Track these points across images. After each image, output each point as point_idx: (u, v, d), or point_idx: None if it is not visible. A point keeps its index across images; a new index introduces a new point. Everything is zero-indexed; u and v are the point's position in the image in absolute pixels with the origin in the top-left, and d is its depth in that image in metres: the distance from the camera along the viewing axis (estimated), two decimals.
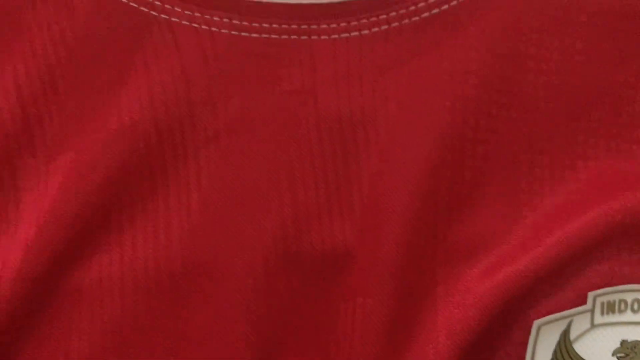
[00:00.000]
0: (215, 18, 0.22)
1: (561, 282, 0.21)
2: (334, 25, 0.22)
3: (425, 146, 0.22)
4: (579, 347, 0.21)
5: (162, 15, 0.22)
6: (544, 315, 0.21)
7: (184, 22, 0.22)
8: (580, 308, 0.21)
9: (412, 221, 0.21)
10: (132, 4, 0.21)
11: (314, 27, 0.22)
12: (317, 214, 0.22)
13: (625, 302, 0.21)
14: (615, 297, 0.21)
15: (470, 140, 0.22)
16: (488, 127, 0.22)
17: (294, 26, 0.22)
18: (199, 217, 0.22)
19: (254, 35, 0.22)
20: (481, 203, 0.22)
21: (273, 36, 0.22)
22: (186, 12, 0.22)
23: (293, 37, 0.22)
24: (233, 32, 0.22)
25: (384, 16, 0.22)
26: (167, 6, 0.21)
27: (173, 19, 0.22)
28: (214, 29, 0.22)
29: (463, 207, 0.22)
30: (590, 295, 0.21)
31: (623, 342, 0.21)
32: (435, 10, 0.22)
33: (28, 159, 0.22)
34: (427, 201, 0.22)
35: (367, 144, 0.22)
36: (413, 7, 0.22)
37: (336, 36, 0.22)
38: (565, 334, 0.21)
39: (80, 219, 0.21)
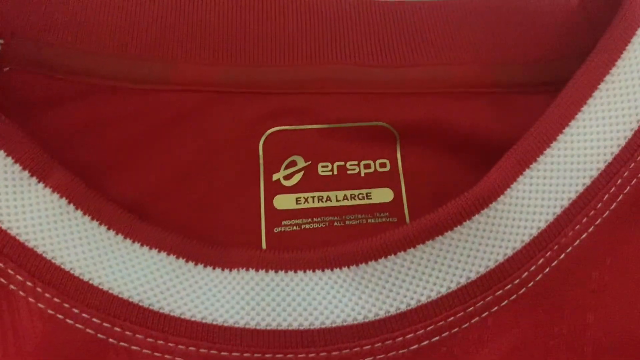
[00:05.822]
0: (180, 346, 0.19)
1: None
2: (312, 355, 0.20)
3: None
4: None
5: (122, 343, 0.19)
6: None
7: (145, 351, 0.19)
8: None
9: None
10: (88, 330, 0.19)
11: (290, 356, 0.20)
12: None
13: None
14: None
15: None
16: None
17: (268, 355, 0.20)
18: None
19: None
20: None
21: None
22: (149, 339, 0.19)
23: None
24: None
25: (369, 347, 0.20)
26: (127, 333, 0.19)
27: (133, 347, 0.19)
28: (177, 358, 0.19)
29: None
30: None
31: None
32: (414, 347, 0.20)
33: None
34: None
35: None
36: (390, 342, 0.20)
37: None
38: None
39: None
